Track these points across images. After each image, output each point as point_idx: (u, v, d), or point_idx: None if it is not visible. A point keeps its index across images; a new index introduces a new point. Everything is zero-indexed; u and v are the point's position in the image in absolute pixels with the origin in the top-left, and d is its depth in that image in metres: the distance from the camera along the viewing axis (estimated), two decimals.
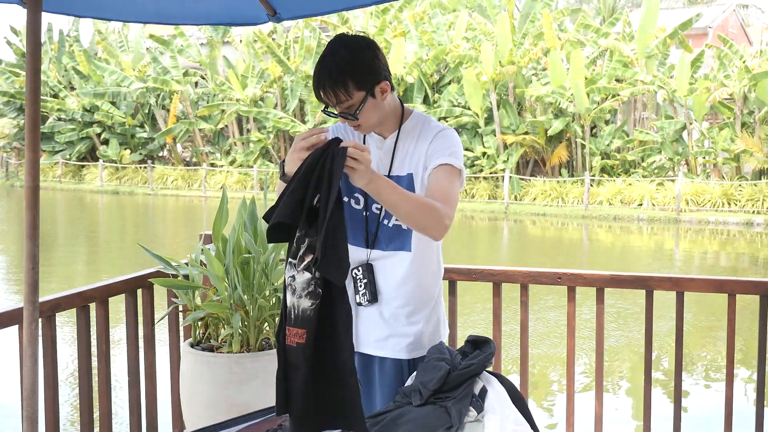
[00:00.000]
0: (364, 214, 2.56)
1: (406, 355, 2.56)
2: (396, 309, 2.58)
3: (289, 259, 2.03)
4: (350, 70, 2.32)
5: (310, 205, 2.01)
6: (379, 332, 2.59)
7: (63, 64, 35.59)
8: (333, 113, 2.39)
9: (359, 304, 2.59)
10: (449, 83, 26.98)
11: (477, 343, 2.46)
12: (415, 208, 2.26)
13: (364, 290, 2.57)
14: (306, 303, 2.00)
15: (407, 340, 2.57)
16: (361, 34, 2.41)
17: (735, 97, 23.45)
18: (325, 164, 1.99)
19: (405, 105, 2.57)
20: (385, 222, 2.55)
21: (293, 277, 2.02)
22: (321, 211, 1.97)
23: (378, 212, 2.55)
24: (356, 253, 2.57)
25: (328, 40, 2.42)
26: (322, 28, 31.22)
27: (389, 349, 2.59)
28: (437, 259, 2.66)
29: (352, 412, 2.09)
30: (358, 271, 2.57)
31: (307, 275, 2.00)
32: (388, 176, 2.48)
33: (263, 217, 2.18)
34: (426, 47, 27.21)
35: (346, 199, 2.58)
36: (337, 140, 2.04)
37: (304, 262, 2.00)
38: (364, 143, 2.55)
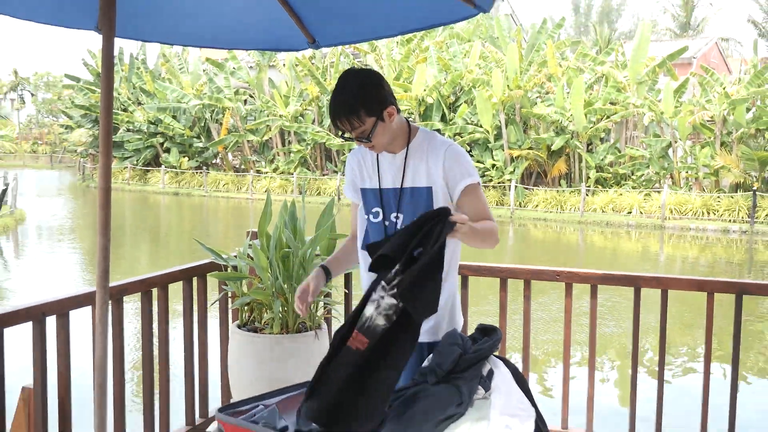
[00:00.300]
0: (384, 224, 2.56)
1: (427, 339, 2.54)
2: None
3: (383, 282, 2.10)
4: (361, 100, 2.34)
5: (410, 253, 2.11)
6: None
7: (132, 83, 35.96)
8: (349, 138, 2.42)
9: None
10: (464, 103, 26.90)
11: (486, 331, 2.45)
12: (484, 238, 2.40)
13: None
14: (381, 321, 2.06)
15: (428, 325, 2.55)
16: (367, 67, 2.49)
17: (715, 119, 23.24)
18: (435, 227, 2.10)
19: (411, 123, 2.56)
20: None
21: (382, 297, 2.08)
22: (421, 259, 2.07)
23: (395, 221, 2.55)
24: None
25: (339, 75, 2.45)
26: (354, 54, 31.32)
27: None
28: (454, 257, 2.63)
29: (369, 417, 2.11)
30: None
31: (393, 301, 2.06)
32: (402, 188, 2.52)
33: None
34: (444, 72, 27.20)
35: (366, 215, 2.60)
36: (447, 211, 2.15)
37: (394, 290, 2.07)
38: (378, 161, 2.57)
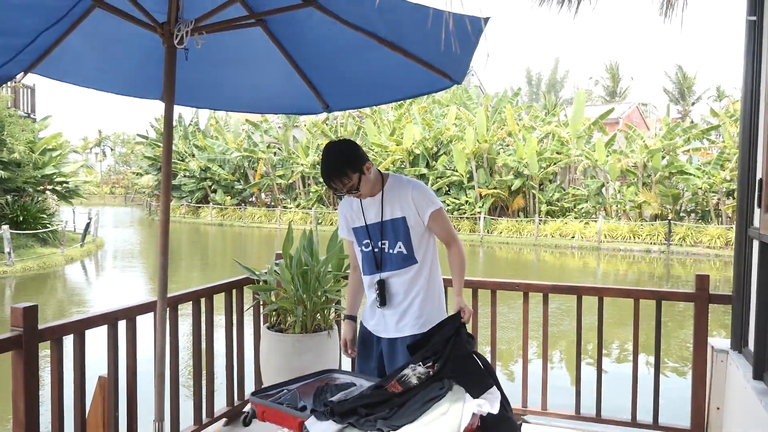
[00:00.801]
0: (374, 251, 2.56)
1: (418, 330, 2.54)
2: (409, 305, 2.55)
3: (420, 362, 2.26)
4: (346, 164, 2.39)
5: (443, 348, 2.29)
6: (399, 322, 2.57)
7: (188, 140, 36.13)
8: (340, 192, 2.45)
9: (378, 306, 2.58)
10: (443, 154, 27.02)
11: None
12: (463, 271, 2.58)
13: (378, 298, 2.58)
14: (414, 380, 2.19)
15: (420, 321, 2.55)
16: (344, 138, 2.55)
17: (638, 165, 23.34)
18: (457, 339, 2.30)
19: (382, 172, 2.60)
20: (390, 251, 2.55)
21: (416, 367, 2.23)
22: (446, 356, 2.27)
23: (383, 246, 2.55)
24: (372, 276, 2.59)
25: (324, 145, 2.50)
26: (359, 117, 31.48)
27: (407, 330, 2.56)
28: (434, 265, 2.64)
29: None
30: (376, 285, 2.58)
31: (423, 369, 2.22)
32: (382, 221, 2.54)
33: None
34: (428, 130, 27.33)
35: (359, 247, 2.59)
36: (464, 335, 2.34)
37: (426, 366, 2.23)
38: (361, 205, 2.59)
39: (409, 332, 2.54)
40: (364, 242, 2.58)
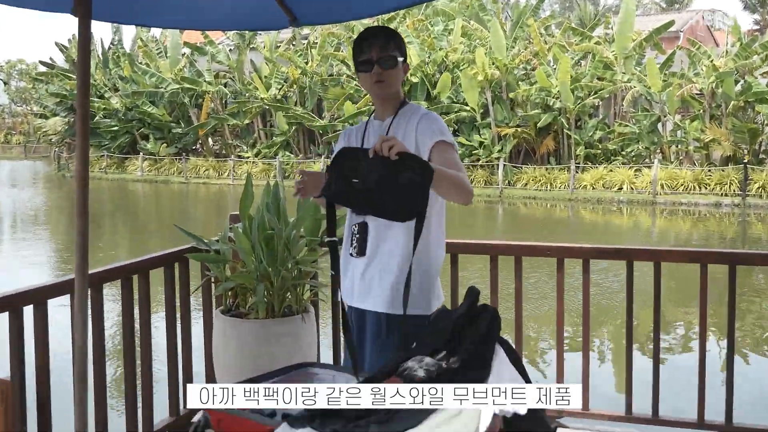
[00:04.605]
0: None
1: (385, 309, 2.61)
2: (383, 269, 2.62)
3: (426, 357, 2.23)
4: (400, 39, 2.68)
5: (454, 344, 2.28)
6: (367, 289, 2.65)
7: (108, 69, 35.60)
8: (366, 61, 2.61)
9: (352, 255, 2.71)
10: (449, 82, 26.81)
11: (473, 303, 2.43)
12: (454, 184, 2.38)
13: (356, 244, 2.68)
14: (420, 373, 2.15)
15: (391, 296, 2.61)
16: None
17: (704, 92, 23.32)
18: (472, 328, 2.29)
19: (406, 98, 2.76)
20: None
21: (421, 359, 2.21)
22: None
23: None
24: (355, 217, 2.70)
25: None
26: (337, 40, 30.84)
27: (370, 303, 2.65)
28: (438, 229, 2.69)
29: None
30: (355, 227, 2.68)
31: (432, 361, 2.20)
32: None
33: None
34: (428, 51, 27.05)
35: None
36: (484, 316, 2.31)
37: (437, 358, 2.22)
38: (365, 128, 2.77)
39: (371, 306, 2.64)
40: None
